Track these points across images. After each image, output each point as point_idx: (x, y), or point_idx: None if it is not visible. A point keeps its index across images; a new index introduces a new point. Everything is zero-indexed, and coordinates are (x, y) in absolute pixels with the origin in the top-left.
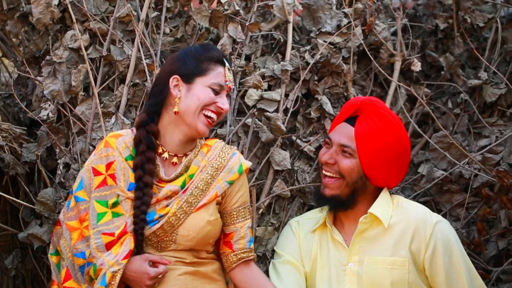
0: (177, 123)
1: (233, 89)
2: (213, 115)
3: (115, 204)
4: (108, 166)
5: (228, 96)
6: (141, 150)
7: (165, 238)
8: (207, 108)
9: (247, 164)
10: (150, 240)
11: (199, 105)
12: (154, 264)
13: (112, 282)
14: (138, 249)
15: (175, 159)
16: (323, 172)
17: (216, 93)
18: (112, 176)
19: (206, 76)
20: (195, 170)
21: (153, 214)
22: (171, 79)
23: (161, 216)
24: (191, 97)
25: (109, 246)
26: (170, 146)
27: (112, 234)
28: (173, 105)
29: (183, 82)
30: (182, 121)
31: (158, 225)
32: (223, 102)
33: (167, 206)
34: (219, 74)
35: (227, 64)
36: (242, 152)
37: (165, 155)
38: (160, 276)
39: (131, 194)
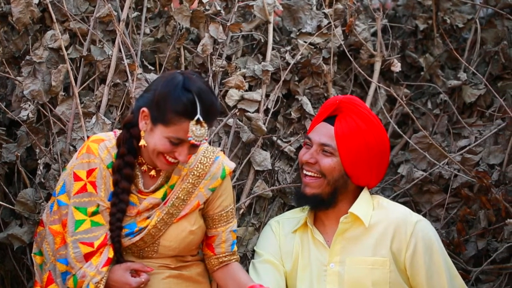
0: None
1: (203, 142)
2: (173, 160)
3: (94, 213)
4: (89, 173)
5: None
6: (121, 152)
7: (146, 248)
8: (166, 154)
9: (231, 166)
10: (131, 249)
11: (155, 150)
12: (136, 272)
13: None
14: (117, 257)
15: (153, 172)
16: (304, 172)
17: (176, 144)
18: (93, 184)
19: (167, 127)
20: (175, 179)
21: (133, 226)
22: (141, 110)
23: (142, 229)
24: (151, 139)
25: (88, 256)
26: (148, 160)
27: (91, 245)
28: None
29: (149, 119)
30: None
31: (138, 237)
32: (180, 153)
33: (147, 218)
34: (180, 130)
35: (198, 116)
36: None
37: (144, 167)
38: (142, 285)
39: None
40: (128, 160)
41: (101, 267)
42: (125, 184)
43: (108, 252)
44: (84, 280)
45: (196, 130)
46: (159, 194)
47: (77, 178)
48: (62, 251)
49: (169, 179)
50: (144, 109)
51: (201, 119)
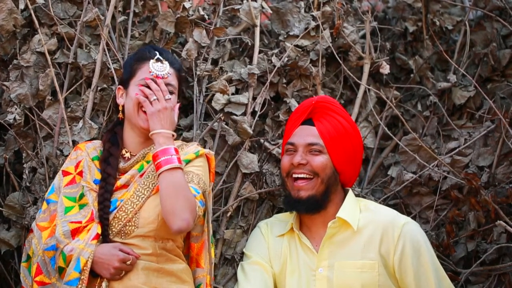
0: (130, 126)
1: (166, 76)
2: None
3: (81, 196)
4: (77, 165)
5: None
6: (106, 147)
7: (127, 223)
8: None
9: (206, 150)
10: (114, 226)
11: (134, 104)
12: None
13: (85, 268)
14: (104, 236)
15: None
16: (294, 176)
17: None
18: (80, 173)
19: (136, 76)
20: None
21: (115, 202)
22: (116, 89)
23: (122, 201)
24: (129, 100)
25: (75, 232)
26: (132, 147)
27: (79, 222)
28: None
29: (124, 90)
30: (131, 123)
31: (118, 208)
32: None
33: (126, 192)
34: (145, 70)
35: (157, 55)
36: None
37: (127, 154)
38: (128, 262)
39: (95, 186)
40: (112, 151)
41: (90, 241)
42: (111, 170)
43: (97, 229)
44: (72, 254)
45: (156, 65)
46: (136, 166)
47: (66, 173)
48: (49, 241)
49: (145, 156)
50: (119, 86)
51: (160, 58)
